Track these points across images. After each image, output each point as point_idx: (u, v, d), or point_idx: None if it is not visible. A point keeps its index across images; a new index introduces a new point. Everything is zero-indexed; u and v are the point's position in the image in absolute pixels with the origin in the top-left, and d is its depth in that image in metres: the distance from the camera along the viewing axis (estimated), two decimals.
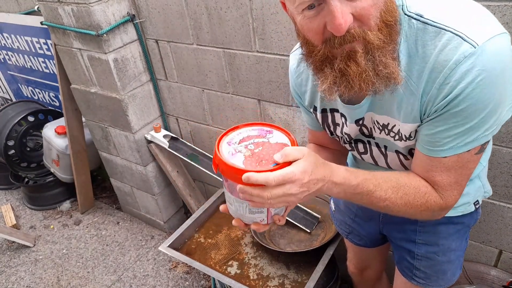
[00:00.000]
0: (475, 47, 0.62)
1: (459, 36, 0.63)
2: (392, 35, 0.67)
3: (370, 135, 0.89)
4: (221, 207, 0.81)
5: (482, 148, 0.73)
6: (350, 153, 1.13)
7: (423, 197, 0.78)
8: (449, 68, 0.64)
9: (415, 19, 0.68)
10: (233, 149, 0.73)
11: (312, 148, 1.08)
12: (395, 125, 0.80)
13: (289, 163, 0.68)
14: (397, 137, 0.81)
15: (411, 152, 0.84)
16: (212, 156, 2.04)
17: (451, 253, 1.06)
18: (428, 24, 0.67)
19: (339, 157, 1.09)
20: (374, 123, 0.84)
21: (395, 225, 1.11)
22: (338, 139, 0.98)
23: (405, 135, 0.79)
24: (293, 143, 0.74)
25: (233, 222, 0.80)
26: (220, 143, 0.75)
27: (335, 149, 1.07)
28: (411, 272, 1.12)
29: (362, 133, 0.89)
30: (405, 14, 0.69)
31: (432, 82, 0.67)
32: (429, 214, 0.81)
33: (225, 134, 0.77)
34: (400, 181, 0.78)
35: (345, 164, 1.11)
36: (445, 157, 0.73)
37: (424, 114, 0.73)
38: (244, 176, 0.65)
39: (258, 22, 1.48)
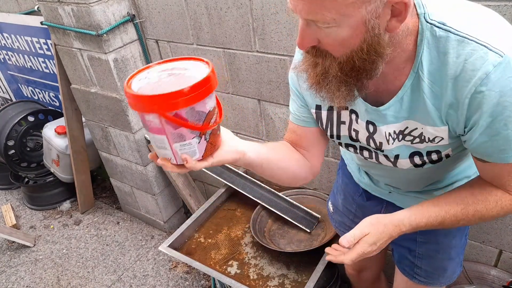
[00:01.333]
0: (502, 56, 0.63)
1: (484, 46, 0.64)
2: (360, 70, 0.69)
3: (379, 149, 0.87)
4: (150, 154, 0.79)
5: None
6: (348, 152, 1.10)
7: (495, 206, 0.79)
8: (479, 78, 0.65)
9: (437, 27, 0.68)
10: (145, 76, 0.70)
11: (284, 146, 1.01)
12: (416, 128, 0.79)
13: (191, 87, 0.65)
14: (417, 140, 0.80)
15: (429, 153, 0.82)
16: None
17: (451, 250, 1.06)
18: (450, 32, 0.67)
19: (306, 169, 1.00)
20: (389, 135, 0.82)
21: None
22: (334, 140, 0.95)
23: (428, 138, 0.78)
24: (212, 70, 0.70)
25: (149, 155, 0.79)
26: (144, 70, 0.72)
27: (307, 156, 1.00)
28: (412, 271, 1.12)
29: (368, 144, 0.88)
30: (427, 22, 0.69)
31: (460, 91, 0.68)
32: (508, 213, 0.83)
33: (139, 72, 0.72)
34: (466, 200, 0.81)
35: (310, 176, 1.03)
36: (510, 163, 0.73)
37: (458, 124, 0.72)
38: (327, 258, 0.87)
39: (258, 22, 1.48)
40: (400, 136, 0.81)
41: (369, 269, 1.45)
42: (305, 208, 1.73)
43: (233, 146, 0.80)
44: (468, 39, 0.66)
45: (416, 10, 0.69)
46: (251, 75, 1.64)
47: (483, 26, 0.68)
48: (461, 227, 1.05)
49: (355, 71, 0.69)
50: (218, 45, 1.66)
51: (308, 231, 1.68)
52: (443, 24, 0.68)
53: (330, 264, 1.53)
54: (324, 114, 0.91)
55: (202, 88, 0.66)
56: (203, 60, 0.73)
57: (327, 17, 0.62)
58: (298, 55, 0.91)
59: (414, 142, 0.81)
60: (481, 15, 0.71)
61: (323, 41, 0.68)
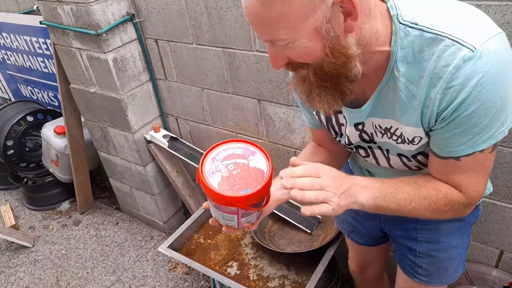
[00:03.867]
0: (473, 51, 0.64)
1: (456, 41, 0.65)
2: (333, 75, 0.72)
3: (371, 140, 0.90)
4: (204, 204, 0.89)
5: (495, 146, 0.75)
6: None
7: (445, 197, 0.80)
8: (450, 73, 0.66)
9: (410, 27, 0.69)
10: (214, 167, 0.80)
11: (311, 148, 1.08)
12: (398, 128, 0.81)
13: (263, 187, 0.76)
14: (399, 140, 0.83)
15: (415, 156, 0.85)
16: None
17: (452, 250, 1.06)
18: (423, 31, 0.68)
19: (339, 160, 1.09)
20: (376, 127, 0.85)
21: (396, 223, 1.12)
22: (338, 139, 0.99)
23: (407, 138, 0.80)
24: (271, 170, 0.80)
25: (210, 221, 0.90)
26: (205, 158, 0.81)
27: (334, 151, 1.07)
28: (413, 270, 1.12)
29: (363, 139, 0.91)
30: (400, 23, 0.70)
31: (433, 87, 0.69)
32: (456, 213, 0.83)
33: (213, 148, 0.83)
34: (419, 183, 0.81)
35: (343, 163, 1.13)
36: (460, 159, 0.75)
37: (430, 121, 0.74)
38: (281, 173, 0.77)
39: None
40: (389, 134, 0.83)
41: (372, 267, 1.46)
42: None
43: (271, 198, 0.87)
44: (441, 36, 0.66)
45: (389, 13, 0.71)
46: (251, 74, 1.64)
47: (456, 21, 0.68)
48: (463, 228, 1.05)
49: (328, 75, 0.72)
50: (218, 44, 1.65)
51: (309, 231, 1.68)
52: (416, 24, 0.69)
53: (330, 265, 1.53)
54: (322, 117, 0.96)
55: (271, 181, 0.79)
56: (249, 142, 0.85)
57: (280, 35, 0.66)
58: None
59: (398, 142, 0.83)
60: (456, 11, 0.71)
61: (291, 56, 0.71)
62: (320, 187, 0.73)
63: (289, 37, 0.66)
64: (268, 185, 0.78)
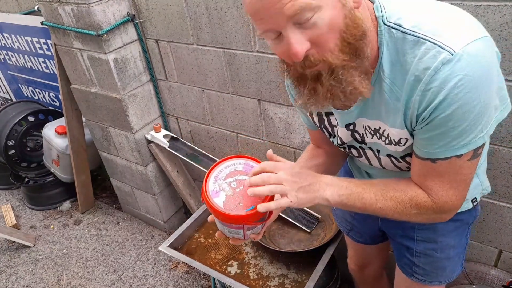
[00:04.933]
0: (452, 54, 0.64)
1: (437, 44, 0.66)
2: (358, 49, 0.69)
3: (363, 141, 0.91)
4: (209, 217, 0.91)
5: (475, 154, 0.74)
6: None
7: (410, 199, 0.81)
8: (429, 75, 0.66)
9: (394, 28, 0.70)
10: (218, 186, 0.82)
11: (309, 152, 1.09)
12: (385, 129, 0.82)
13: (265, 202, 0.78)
14: (387, 141, 0.84)
15: (403, 157, 0.85)
16: (211, 155, 2.05)
17: (450, 250, 1.06)
18: (407, 33, 0.69)
19: (337, 161, 1.10)
20: (366, 128, 0.86)
21: (394, 222, 1.12)
22: (332, 140, 1.00)
23: (394, 140, 0.81)
24: None
25: (217, 234, 0.93)
26: (208, 177, 0.83)
27: (332, 152, 1.08)
28: (411, 269, 1.13)
29: (355, 139, 0.92)
30: (385, 24, 0.71)
31: (414, 89, 0.70)
32: (426, 217, 0.83)
33: (215, 166, 0.85)
34: (388, 185, 0.83)
35: (342, 163, 1.14)
36: (437, 161, 0.75)
37: (411, 123, 0.75)
38: (250, 176, 0.79)
39: None
40: (378, 135, 0.84)
41: (371, 266, 1.46)
42: (305, 208, 1.73)
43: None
44: (423, 39, 0.67)
45: (375, 14, 0.72)
46: (251, 75, 1.64)
47: (439, 24, 0.68)
48: (461, 228, 1.05)
49: (353, 49, 0.68)
50: (218, 45, 1.66)
51: (308, 231, 1.68)
52: (400, 26, 0.70)
53: (330, 264, 1.54)
54: (315, 118, 0.97)
55: (274, 197, 0.81)
56: (249, 158, 0.86)
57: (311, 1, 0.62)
58: None
59: (386, 143, 0.84)
60: (441, 13, 0.71)
61: (313, 35, 0.66)
62: (277, 181, 0.76)
63: (317, 7, 0.62)
64: (270, 200, 0.79)
